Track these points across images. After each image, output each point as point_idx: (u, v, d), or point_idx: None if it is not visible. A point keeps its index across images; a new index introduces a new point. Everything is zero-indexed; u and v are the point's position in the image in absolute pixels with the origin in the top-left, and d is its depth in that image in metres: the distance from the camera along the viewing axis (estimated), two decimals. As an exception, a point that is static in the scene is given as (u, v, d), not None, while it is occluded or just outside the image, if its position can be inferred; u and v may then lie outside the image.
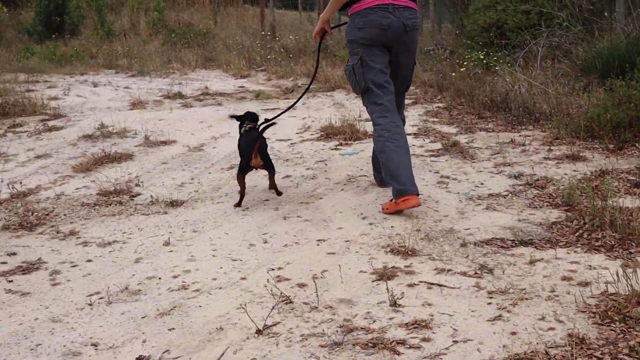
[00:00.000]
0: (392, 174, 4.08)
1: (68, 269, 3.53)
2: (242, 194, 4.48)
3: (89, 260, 3.63)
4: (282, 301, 2.97)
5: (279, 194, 4.59)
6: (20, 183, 5.23)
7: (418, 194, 4.04)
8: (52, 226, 4.23)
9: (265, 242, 3.77)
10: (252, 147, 4.37)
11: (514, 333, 2.58)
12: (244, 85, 10.93)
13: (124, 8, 21.45)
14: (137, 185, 5.07)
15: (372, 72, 4.24)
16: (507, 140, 5.73)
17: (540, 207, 4.08)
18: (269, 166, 4.49)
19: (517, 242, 3.52)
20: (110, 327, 2.83)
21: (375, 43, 4.21)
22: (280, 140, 6.40)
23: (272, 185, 4.59)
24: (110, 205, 4.62)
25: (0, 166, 5.90)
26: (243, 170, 4.46)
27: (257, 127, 4.70)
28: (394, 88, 4.33)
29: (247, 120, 4.79)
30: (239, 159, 4.58)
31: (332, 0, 4.29)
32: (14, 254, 3.78)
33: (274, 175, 4.57)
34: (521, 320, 2.69)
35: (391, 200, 4.13)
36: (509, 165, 5.05)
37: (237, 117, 4.87)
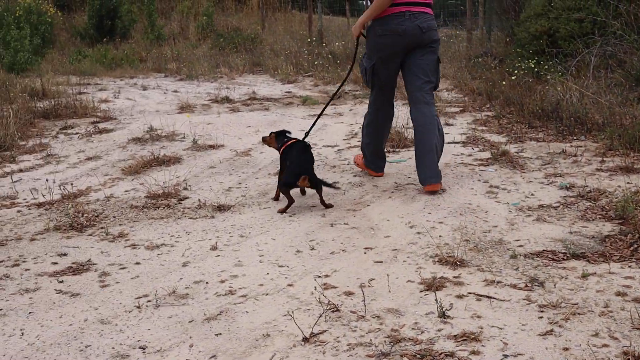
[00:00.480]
0: (368, 157, 5.20)
1: (117, 271, 3.56)
2: (290, 202, 4.49)
3: (137, 263, 3.66)
4: (329, 309, 2.95)
5: (329, 206, 4.54)
6: (71, 184, 5.32)
7: (382, 174, 5.22)
8: (102, 228, 4.28)
9: (312, 248, 3.75)
10: (304, 162, 4.52)
11: (566, 349, 2.52)
12: (291, 91, 10.96)
13: (174, 13, 21.73)
14: (185, 188, 5.11)
15: (379, 79, 4.91)
16: (558, 151, 5.62)
17: (593, 220, 3.99)
18: (317, 185, 4.51)
19: (568, 255, 3.45)
20: (157, 330, 2.85)
21: (392, 50, 4.72)
22: (327, 146, 6.39)
23: (322, 201, 4.54)
24: (158, 208, 4.66)
25: (52, 167, 6.01)
26: (288, 185, 4.50)
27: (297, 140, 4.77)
28: (412, 81, 4.82)
29: (285, 136, 4.83)
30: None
31: (372, 7, 4.65)
32: (65, 254, 3.83)
33: (322, 192, 4.55)
34: (574, 335, 2.62)
35: (363, 161, 5.29)
36: (560, 176, 4.95)
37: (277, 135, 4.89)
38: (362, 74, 5.04)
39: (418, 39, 4.66)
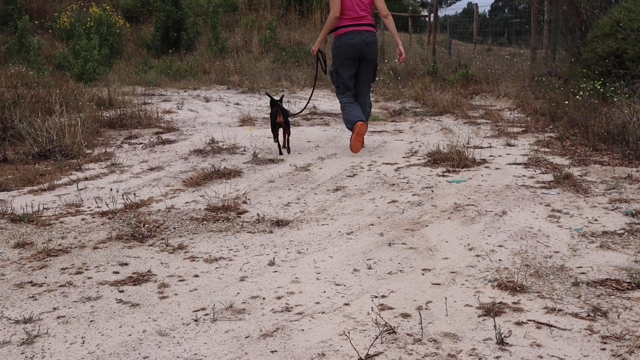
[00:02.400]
0: (348, 120, 6.86)
1: (176, 282, 3.61)
2: (278, 142, 7.08)
3: (196, 276, 3.70)
4: (386, 331, 2.93)
5: (288, 151, 7.01)
6: (134, 194, 5.42)
7: (364, 121, 6.83)
8: (162, 239, 4.35)
9: (370, 267, 3.74)
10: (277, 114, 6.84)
11: (629, 383, 2.45)
12: (351, 106, 10.96)
13: (238, 26, 22.07)
14: (244, 202, 5.16)
15: (341, 78, 7.00)
16: (624, 175, 5.49)
17: (659, 249, 3.87)
18: (287, 125, 6.92)
19: (633, 285, 3.35)
20: (214, 344, 2.87)
21: (347, 56, 6.87)
22: (387, 164, 6.37)
23: (286, 143, 7.04)
24: (217, 221, 4.71)
25: (116, 176, 6.14)
26: (274, 125, 6.96)
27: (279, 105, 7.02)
28: (359, 81, 7.09)
29: (275, 102, 6.99)
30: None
31: (322, 30, 7.08)
32: (126, 264, 3.90)
33: (289, 135, 7.07)
34: (637, 370, 2.55)
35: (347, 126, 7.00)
36: (626, 201, 4.83)
37: (271, 100, 7.05)
38: (331, 78, 7.16)
39: (364, 48, 6.85)
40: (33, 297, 3.44)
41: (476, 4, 18.79)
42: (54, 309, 3.29)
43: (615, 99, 7.60)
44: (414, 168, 6.15)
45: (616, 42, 8.64)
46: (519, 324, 2.98)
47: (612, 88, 8.10)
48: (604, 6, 10.39)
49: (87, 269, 3.83)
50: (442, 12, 28.97)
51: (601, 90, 8.25)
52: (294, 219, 4.71)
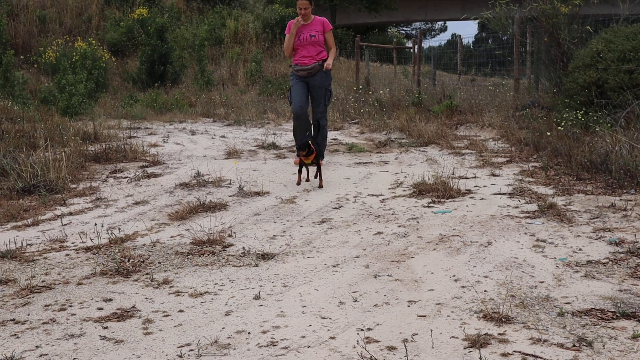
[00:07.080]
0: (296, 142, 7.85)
1: (160, 318, 3.58)
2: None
3: (181, 311, 3.68)
4: (371, 364, 2.91)
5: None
6: (119, 229, 5.40)
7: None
8: (147, 274, 4.32)
9: (355, 300, 3.73)
10: None
11: (615, 414, 2.45)
12: (337, 138, 11.02)
13: (224, 59, 22.18)
14: (229, 235, 5.14)
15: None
16: (607, 204, 5.53)
17: (644, 278, 3.89)
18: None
19: (618, 315, 3.36)
20: (199, 380, 2.84)
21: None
22: (372, 195, 6.38)
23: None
24: (203, 255, 4.69)
25: (101, 211, 6.11)
26: None
27: None
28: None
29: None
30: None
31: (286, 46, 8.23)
32: (110, 300, 3.87)
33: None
34: (623, 400, 2.55)
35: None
36: (609, 230, 4.86)
37: None
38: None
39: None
40: (15, 335, 3.41)
41: (460, 36, 19.01)
42: (37, 346, 3.25)
43: (597, 129, 7.68)
44: (399, 199, 6.17)
45: (597, 72, 8.75)
46: (504, 355, 2.98)
47: (595, 118, 8.19)
48: (584, 37, 10.55)
49: (70, 306, 3.80)
50: (426, 44, 29.27)
51: (583, 120, 8.34)
52: (280, 252, 4.70)
